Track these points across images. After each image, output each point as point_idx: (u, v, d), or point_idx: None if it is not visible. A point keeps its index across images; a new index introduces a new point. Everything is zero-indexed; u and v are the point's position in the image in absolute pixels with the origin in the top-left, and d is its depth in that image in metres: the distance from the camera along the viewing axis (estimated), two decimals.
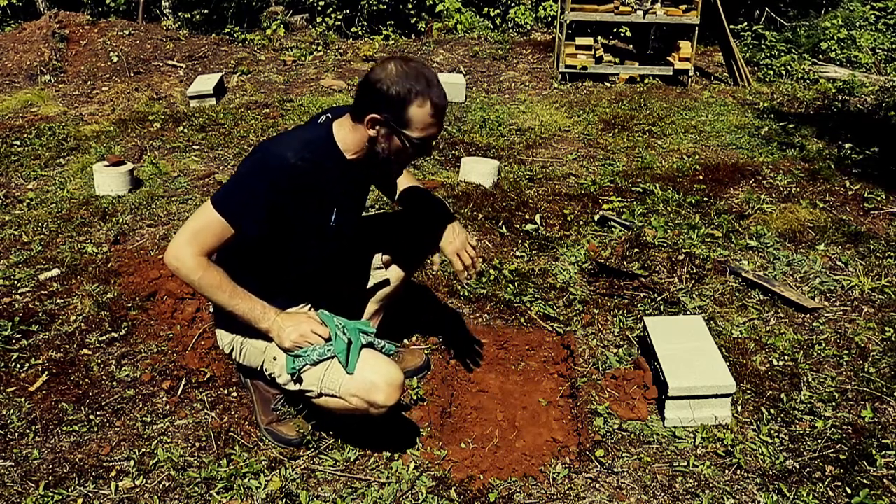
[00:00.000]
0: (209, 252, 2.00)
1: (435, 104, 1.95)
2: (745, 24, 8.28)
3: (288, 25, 8.47)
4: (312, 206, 2.06)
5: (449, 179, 4.41)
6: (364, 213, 2.41)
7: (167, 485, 2.12)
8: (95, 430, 2.33)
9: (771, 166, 4.75)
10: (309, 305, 2.29)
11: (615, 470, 2.20)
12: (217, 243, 1.99)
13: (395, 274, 2.49)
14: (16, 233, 3.68)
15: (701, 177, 4.56)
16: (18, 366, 2.63)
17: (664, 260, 3.42)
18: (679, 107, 6.22)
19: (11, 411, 2.40)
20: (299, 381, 2.06)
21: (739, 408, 2.47)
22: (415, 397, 2.50)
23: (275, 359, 2.11)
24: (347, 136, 2.04)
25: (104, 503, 2.06)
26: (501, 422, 2.49)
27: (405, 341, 2.83)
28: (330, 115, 2.10)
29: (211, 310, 2.70)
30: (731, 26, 7.30)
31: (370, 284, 2.47)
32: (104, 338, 2.80)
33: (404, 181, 2.43)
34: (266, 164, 1.97)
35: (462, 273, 2.27)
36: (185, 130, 5.32)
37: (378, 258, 2.46)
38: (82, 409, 2.42)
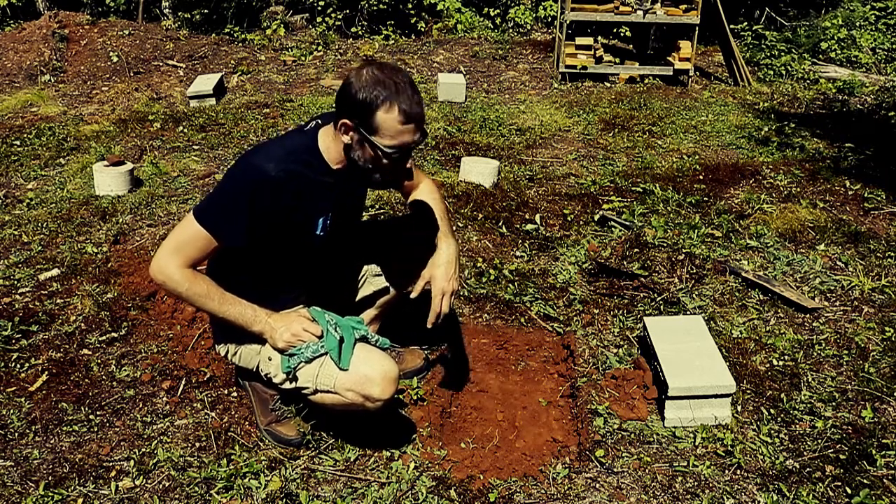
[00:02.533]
0: (194, 263, 2.01)
1: (403, 111, 1.88)
2: (745, 24, 8.28)
3: (288, 25, 8.47)
4: (296, 216, 2.04)
5: (449, 179, 4.41)
6: (364, 217, 2.40)
7: (167, 485, 2.12)
8: (95, 430, 2.33)
9: (771, 166, 4.75)
10: (303, 307, 2.30)
11: (615, 470, 2.20)
12: (201, 255, 2.01)
13: (395, 283, 2.48)
14: (16, 233, 3.68)
15: (701, 177, 4.56)
16: (18, 366, 2.63)
17: (664, 260, 3.42)
18: (679, 107, 6.22)
19: (11, 411, 2.40)
20: (295, 379, 2.07)
21: (739, 408, 2.47)
22: (415, 397, 2.50)
23: (270, 359, 2.12)
24: (331, 145, 2.02)
25: (104, 503, 2.06)
26: (501, 422, 2.49)
27: (415, 345, 2.83)
28: (319, 122, 2.08)
29: None
30: (731, 26, 7.31)
31: (370, 292, 2.47)
32: (104, 338, 2.80)
33: (423, 191, 2.38)
34: (247, 176, 1.96)
35: (433, 315, 2.17)
36: (185, 130, 5.32)
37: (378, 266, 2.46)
38: (82, 409, 2.42)
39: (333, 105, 2.00)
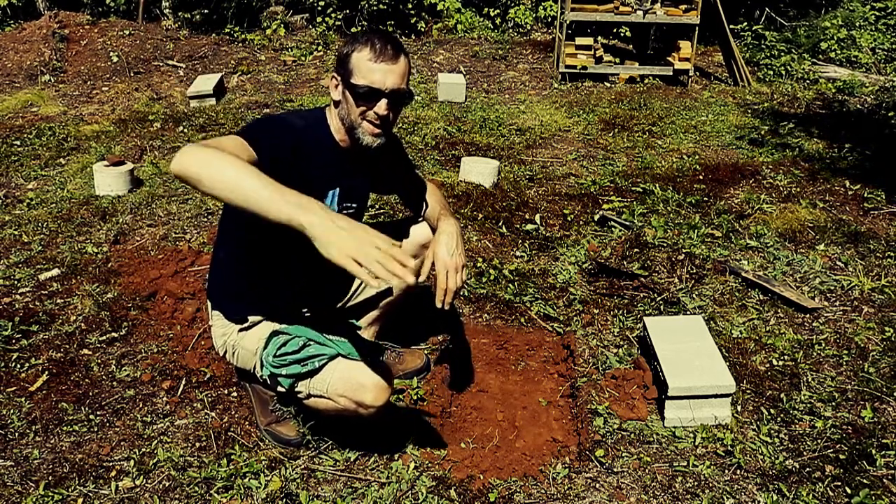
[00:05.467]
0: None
1: (374, 49, 1.97)
2: (745, 24, 8.28)
3: (288, 25, 8.47)
4: (305, 176, 1.99)
5: (449, 179, 4.41)
6: (365, 219, 2.41)
7: (167, 485, 2.12)
8: (95, 430, 2.33)
9: (771, 166, 4.75)
10: (306, 310, 2.30)
11: (615, 470, 2.20)
12: (231, 149, 1.70)
13: (397, 283, 2.48)
14: (16, 233, 3.68)
15: (701, 177, 4.56)
16: (18, 366, 2.63)
17: (664, 260, 3.42)
18: (679, 107, 6.22)
19: (11, 411, 2.40)
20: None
21: (739, 408, 2.47)
22: (415, 397, 2.50)
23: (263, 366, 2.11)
24: (334, 118, 2.10)
25: (104, 503, 2.06)
26: (501, 422, 2.49)
27: (415, 345, 2.83)
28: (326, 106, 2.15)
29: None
30: (731, 26, 7.30)
31: (373, 293, 2.47)
32: (104, 338, 2.80)
33: (430, 201, 2.41)
34: (271, 118, 2.06)
35: (440, 293, 2.07)
36: (185, 130, 5.32)
37: None
38: (82, 409, 2.42)
39: None
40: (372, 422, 2.08)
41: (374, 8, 8.56)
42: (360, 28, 8.58)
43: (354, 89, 1.99)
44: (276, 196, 1.56)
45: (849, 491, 2.12)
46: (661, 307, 3.08)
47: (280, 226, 1.89)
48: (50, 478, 2.13)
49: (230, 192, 1.58)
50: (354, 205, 2.22)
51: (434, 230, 2.29)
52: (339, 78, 2.04)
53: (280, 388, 2.08)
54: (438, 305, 2.08)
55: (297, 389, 2.05)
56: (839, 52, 7.91)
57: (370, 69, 1.97)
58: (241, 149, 1.77)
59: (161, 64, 7.31)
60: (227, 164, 1.59)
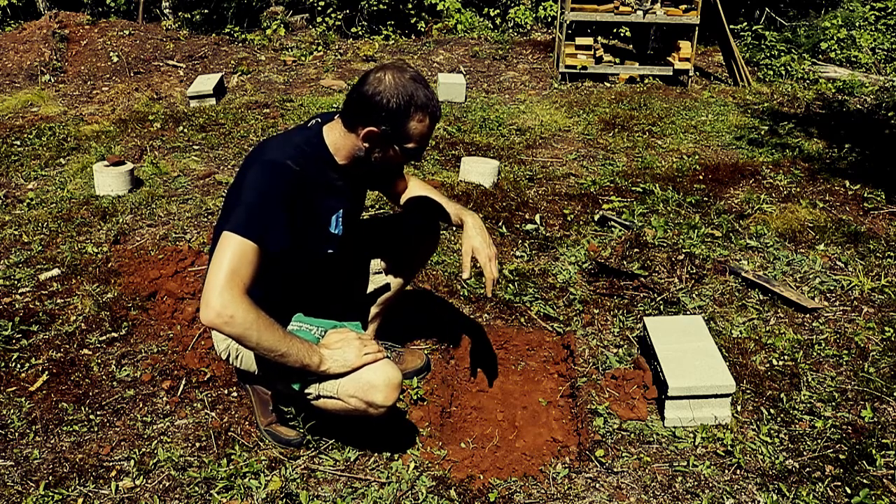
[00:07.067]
0: (249, 287, 1.86)
1: (433, 116, 1.99)
2: (745, 24, 8.28)
3: (288, 25, 8.48)
4: (313, 212, 2.05)
5: (449, 179, 4.41)
6: (363, 216, 2.42)
7: (167, 485, 2.12)
8: (95, 430, 2.33)
9: (771, 166, 4.75)
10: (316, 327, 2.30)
11: (615, 470, 2.20)
12: (254, 272, 1.87)
13: (394, 279, 2.49)
14: (16, 233, 3.68)
15: (701, 177, 4.56)
16: (18, 366, 2.63)
17: (664, 260, 3.42)
18: (679, 107, 6.22)
19: (11, 411, 2.40)
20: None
21: (739, 408, 2.47)
22: (415, 397, 2.50)
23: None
24: (338, 141, 2.04)
25: (104, 503, 2.06)
26: (501, 422, 2.49)
27: (415, 345, 2.83)
28: (319, 120, 2.09)
29: None
30: (731, 26, 7.31)
31: (370, 289, 2.47)
32: (104, 338, 2.80)
33: (415, 188, 2.43)
34: (273, 176, 1.93)
35: (490, 282, 2.20)
36: (185, 130, 5.32)
37: (378, 263, 2.46)
38: (82, 409, 2.42)
39: (337, 105, 2.01)
40: (377, 421, 2.08)
41: (374, 8, 8.57)
42: (359, 28, 8.59)
43: (407, 151, 2.01)
44: (293, 359, 1.92)
45: (849, 491, 2.12)
46: (661, 307, 3.08)
47: (305, 237, 2.05)
48: (50, 478, 2.14)
49: (265, 354, 1.91)
50: (351, 210, 2.23)
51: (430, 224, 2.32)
52: (383, 133, 1.96)
53: (291, 390, 2.08)
54: (489, 294, 2.23)
55: (307, 391, 2.05)
56: (839, 52, 7.91)
57: (427, 135, 2.01)
58: (255, 260, 1.86)
59: (161, 64, 7.31)
60: (266, 337, 1.86)
